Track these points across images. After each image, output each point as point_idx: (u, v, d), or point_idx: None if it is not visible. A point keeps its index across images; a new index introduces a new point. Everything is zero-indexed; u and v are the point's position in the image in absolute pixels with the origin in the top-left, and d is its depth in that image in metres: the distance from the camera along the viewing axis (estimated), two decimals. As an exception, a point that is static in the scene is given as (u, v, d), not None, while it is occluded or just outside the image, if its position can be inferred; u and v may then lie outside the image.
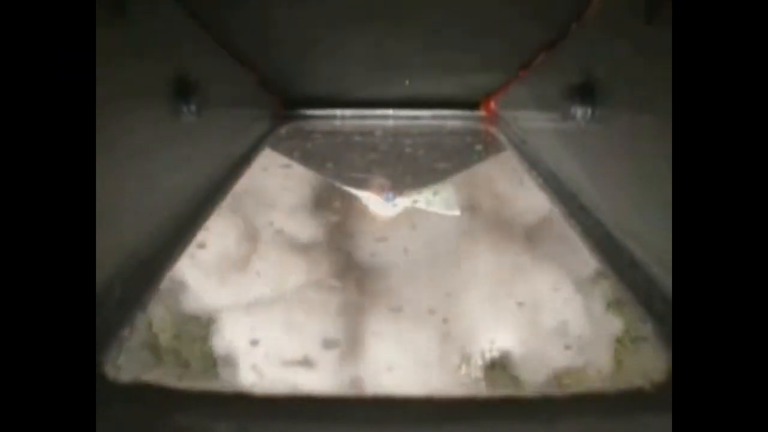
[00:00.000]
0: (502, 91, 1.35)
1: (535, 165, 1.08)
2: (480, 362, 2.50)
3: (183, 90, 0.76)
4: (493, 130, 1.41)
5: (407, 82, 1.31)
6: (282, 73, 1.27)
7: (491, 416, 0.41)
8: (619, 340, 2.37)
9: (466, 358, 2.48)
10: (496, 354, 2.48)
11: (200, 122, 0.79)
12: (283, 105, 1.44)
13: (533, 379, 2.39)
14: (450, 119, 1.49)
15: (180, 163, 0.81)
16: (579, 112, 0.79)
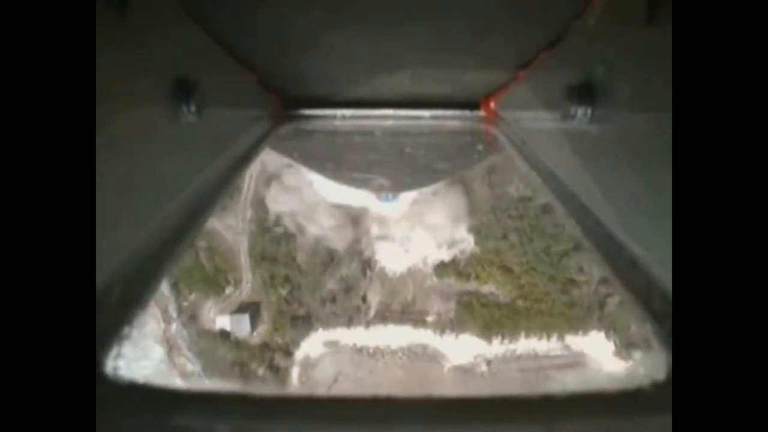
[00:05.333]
0: (502, 91, 1.35)
1: (535, 165, 1.08)
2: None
3: (183, 90, 0.76)
4: (493, 130, 1.41)
5: (407, 81, 1.31)
6: (282, 73, 1.27)
7: (491, 416, 0.41)
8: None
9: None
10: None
11: (200, 122, 0.79)
12: (282, 105, 1.44)
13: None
14: (450, 119, 1.49)
15: (180, 163, 0.81)
16: (579, 112, 0.79)
